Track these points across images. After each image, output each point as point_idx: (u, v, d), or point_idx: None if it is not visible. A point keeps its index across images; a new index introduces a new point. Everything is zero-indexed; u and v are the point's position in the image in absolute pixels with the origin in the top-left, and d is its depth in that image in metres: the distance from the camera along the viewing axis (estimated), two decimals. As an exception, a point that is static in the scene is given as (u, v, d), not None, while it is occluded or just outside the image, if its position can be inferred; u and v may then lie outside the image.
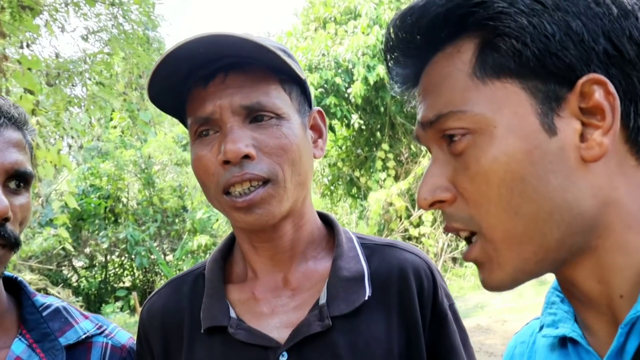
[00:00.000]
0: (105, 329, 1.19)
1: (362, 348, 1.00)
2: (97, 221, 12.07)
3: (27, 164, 1.06)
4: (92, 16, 5.93)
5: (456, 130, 0.69)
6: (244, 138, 0.97)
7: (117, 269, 13.11)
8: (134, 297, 8.00)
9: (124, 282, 12.98)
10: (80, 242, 12.06)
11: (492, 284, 0.73)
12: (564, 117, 0.66)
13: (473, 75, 0.69)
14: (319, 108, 1.14)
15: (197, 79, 1.02)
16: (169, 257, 12.62)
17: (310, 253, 1.11)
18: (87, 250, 12.55)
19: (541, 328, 0.84)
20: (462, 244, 10.27)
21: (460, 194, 0.71)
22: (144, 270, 12.57)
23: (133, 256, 11.75)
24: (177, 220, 12.62)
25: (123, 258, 12.77)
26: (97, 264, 12.87)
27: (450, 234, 10.42)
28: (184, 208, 12.67)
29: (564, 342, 0.80)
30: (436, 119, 0.71)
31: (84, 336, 1.13)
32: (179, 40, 0.97)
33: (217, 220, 11.56)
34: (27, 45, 4.88)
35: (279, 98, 1.02)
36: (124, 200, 12.57)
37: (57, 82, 5.37)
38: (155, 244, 12.06)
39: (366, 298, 1.03)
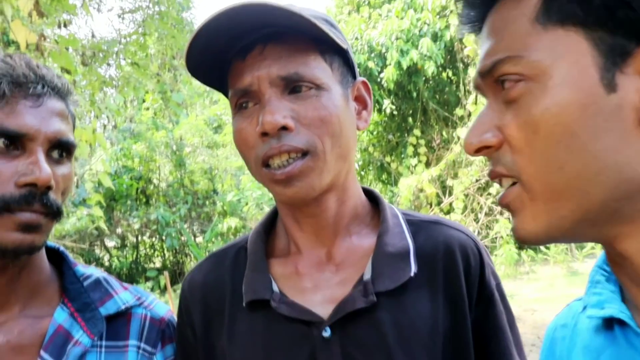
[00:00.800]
0: (144, 301, 1.19)
1: (406, 325, 0.98)
2: (128, 202, 12.21)
3: (69, 133, 1.06)
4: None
5: (510, 76, 0.66)
6: (281, 109, 0.95)
7: (148, 250, 13.27)
8: (166, 277, 8.06)
9: (154, 263, 13.14)
10: (112, 222, 12.21)
11: (522, 235, 0.70)
12: (628, 74, 0.62)
13: (536, 20, 0.65)
14: (364, 79, 1.10)
15: (236, 51, 1.00)
16: (199, 239, 12.72)
17: (354, 228, 1.09)
18: (119, 230, 12.72)
19: (584, 309, 0.80)
20: (493, 232, 10.11)
21: (507, 140, 0.68)
22: (174, 251, 12.71)
23: (164, 237, 11.87)
24: (207, 203, 12.70)
25: (154, 239, 12.92)
26: (128, 244, 13.04)
27: (480, 222, 10.31)
28: (215, 190, 12.74)
29: (610, 323, 0.76)
30: (493, 65, 0.68)
31: (123, 307, 1.13)
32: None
33: (247, 203, 11.60)
34: (65, 25, 4.92)
35: (318, 68, 0.99)
36: (155, 181, 12.69)
37: (91, 62, 5.42)
38: (185, 226, 12.16)
39: (412, 274, 1.01)
